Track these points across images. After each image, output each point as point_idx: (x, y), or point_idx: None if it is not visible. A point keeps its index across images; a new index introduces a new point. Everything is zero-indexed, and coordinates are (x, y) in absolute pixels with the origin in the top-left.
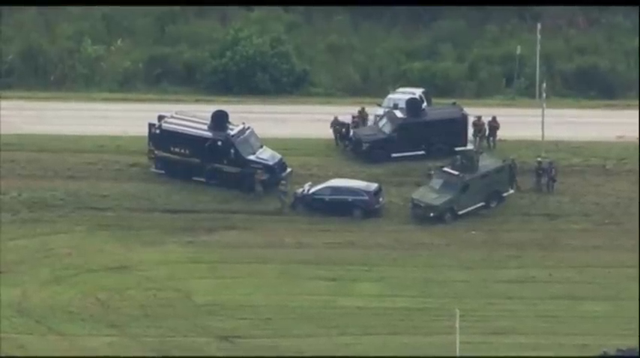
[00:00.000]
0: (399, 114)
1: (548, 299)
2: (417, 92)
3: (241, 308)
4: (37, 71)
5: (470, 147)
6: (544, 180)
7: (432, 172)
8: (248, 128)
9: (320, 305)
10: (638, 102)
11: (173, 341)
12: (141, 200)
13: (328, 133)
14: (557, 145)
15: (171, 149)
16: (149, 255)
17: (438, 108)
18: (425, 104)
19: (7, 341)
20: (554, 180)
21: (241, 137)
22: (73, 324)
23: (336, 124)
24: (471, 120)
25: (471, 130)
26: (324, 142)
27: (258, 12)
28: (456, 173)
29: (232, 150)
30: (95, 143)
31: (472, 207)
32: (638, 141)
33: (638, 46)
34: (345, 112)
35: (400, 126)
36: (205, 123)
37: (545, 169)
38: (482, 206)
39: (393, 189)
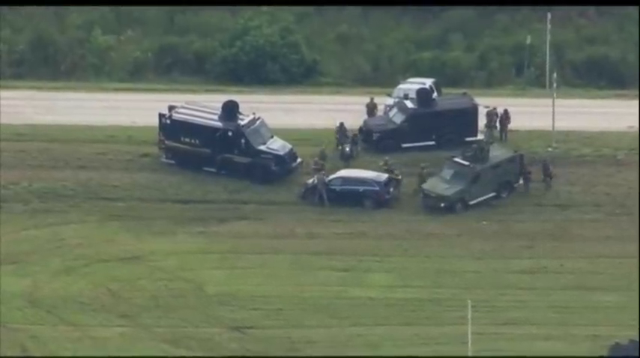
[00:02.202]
0: (409, 104)
1: (560, 289)
2: (428, 82)
3: (252, 298)
4: (47, 61)
5: (480, 137)
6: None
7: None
8: (258, 118)
9: (331, 295)
10: (638, 94)
11: (184, 331)
12: (151, 190)
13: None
14: (568, 135)
15: (182, 139)
16: (160, 245)
17: (449, 99)
18: (435, 94)
19: (19, 332)
20: (550, 177)
21: (252, 127)
22: (84, 315)
23: (341, 132)
24: (483, 111)
25: (484, 121)
26: (334, 132)
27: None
28: (467, 163)
29: (243, 141)
30: (105, 133)
31: (483, 198)
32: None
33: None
34: (355, 102)
35: (410, 117)
36: (216, 114)
37: (543, 165)
38: (494, 196)
39: (404, 180)
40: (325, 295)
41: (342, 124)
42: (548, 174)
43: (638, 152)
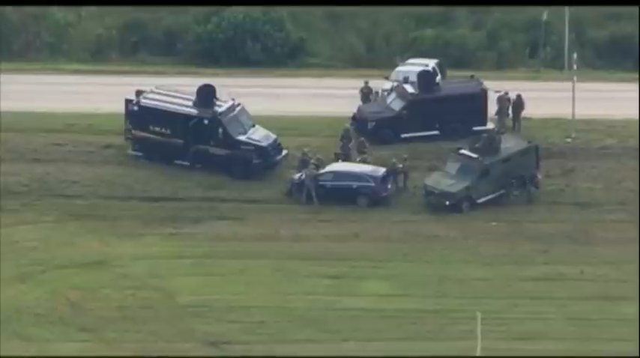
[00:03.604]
0: (409, 88)
1: (580, 299)
2: (430, 64)
3: (231, 309)
4: None
5: (490, 126)
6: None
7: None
8: (238, 105)
9: (321, 306)
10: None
11: (154, 347)
12: (116, 186)
13: (329, 110)
14: (589, 124)
15: (151, 128)
16: (126, 248)
17: (454, 82)
18: (439, 77)
19: None
20: (536, 187)
21: (230, 115)
22: (40, 328)
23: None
24: (493, 96)
25: (494, 107)
26: (324, 120)
27: None
28: (475, 156)
29: (220, 130)
30: (64, 121)
31: (493, 195)
32: None
33: None
34: (347, 87)
35: (411, 103)
36: (190, 99)
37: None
38: (505, 193)
39: (403, 174)
40: (314, 306)
41: (348, 130)
42: (534, 184)
43: None
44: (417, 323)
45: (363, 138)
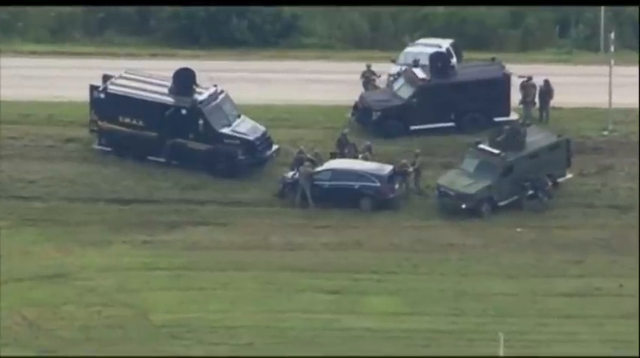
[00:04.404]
0: (420, 73)
1: (618, 318)
2: (444, 44)
3: (213, 329)
4: None
5: (514, 117)
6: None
7: None
8: (221, 92)
9: (318, 325)
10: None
11: None
12: (80, 186)
13: (326, 98)
14: (629, 115)
15: (120, 119)
16: (92, 258)
17: (472, 66)
18: (454, 60)
19: None
20: (548, 196)
21: (212, 104)
22: None
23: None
24: (516, 82)
25: (518, 95)
26: (320, 110)
27: None
28: (497, 151)
29: (201, 121)
30: (19, 111)
31: (517, 197)
32: None
33: None
34: (348, 71)
35: (422, 90)
36: (165, 86)
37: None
38: (531, 195)
39: (414, 173)
40: (309, 325)
41: (345, 136)
42: (545, 192)
43: None
44: (430, 346)
45: (369, 143)
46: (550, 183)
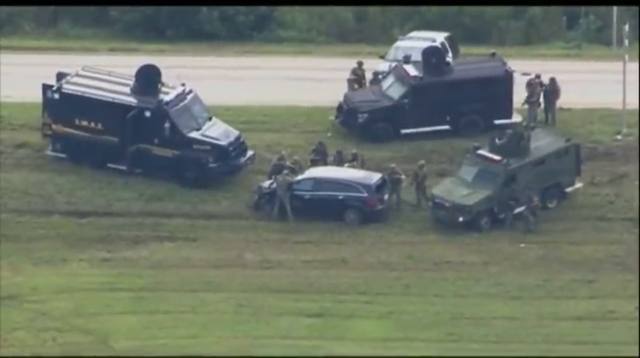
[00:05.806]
0: (412, 70)
1: (634, 344)
2: (439, 38)
3: None
4: None
5: (517, 119)
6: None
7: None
8: (189, 92)
9: (298, 353)
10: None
11: None
12: (32, 197)
13: (307, 98)
14: None
15: (77, 122)
16: (45, 278)
17: (470, 62)
18: (450, 56)
19: None
20: (533, 213)
21: (180, 105)
22: None
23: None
24: (520, 80)
25: (522, 95)
26: (301, 111)
27: None
28: (498, 158)
29: (167, 125)
30: None
31: (520, 209)
32: None
33: None
34: (331, 68)
35: (414, 89)
36: (127, 85)
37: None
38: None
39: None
40: (289, 352)
41: (322, 144)
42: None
43: None
44: None
45: (356, 151)
46: (536, 200)
